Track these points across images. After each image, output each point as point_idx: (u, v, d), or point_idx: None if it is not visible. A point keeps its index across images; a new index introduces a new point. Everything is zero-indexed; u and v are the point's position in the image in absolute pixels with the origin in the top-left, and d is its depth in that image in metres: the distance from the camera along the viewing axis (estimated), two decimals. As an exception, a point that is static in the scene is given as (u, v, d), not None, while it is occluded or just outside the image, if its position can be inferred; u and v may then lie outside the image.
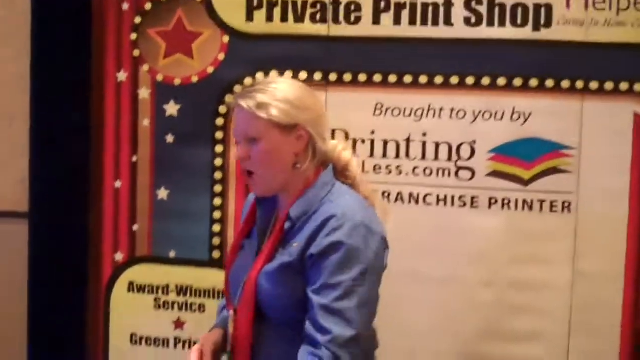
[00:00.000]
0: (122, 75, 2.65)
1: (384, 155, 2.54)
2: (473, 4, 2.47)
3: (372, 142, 2.54)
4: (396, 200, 2.54)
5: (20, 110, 2.71)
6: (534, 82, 2.48)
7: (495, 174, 2.53)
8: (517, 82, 2.49)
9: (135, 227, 2.67)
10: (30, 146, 2.68)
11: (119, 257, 2.68)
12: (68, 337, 2.67)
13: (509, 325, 2.52)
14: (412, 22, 2.51)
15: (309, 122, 1.70)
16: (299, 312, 1.65)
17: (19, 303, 2.73)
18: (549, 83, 2.47)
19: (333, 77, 2.55)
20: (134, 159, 2.66)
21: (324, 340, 1.59)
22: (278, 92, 1.70)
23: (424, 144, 2.53)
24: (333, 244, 1.60)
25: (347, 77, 2.54)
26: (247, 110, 1.67)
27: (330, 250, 1.60)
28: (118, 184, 2.67)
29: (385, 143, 2.54)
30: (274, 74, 2.55)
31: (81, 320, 2.67)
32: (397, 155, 2.54)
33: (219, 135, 2.61)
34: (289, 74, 2.56)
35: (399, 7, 2.50)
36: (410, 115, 2.52)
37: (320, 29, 2.54)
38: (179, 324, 2.67)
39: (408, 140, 2.53)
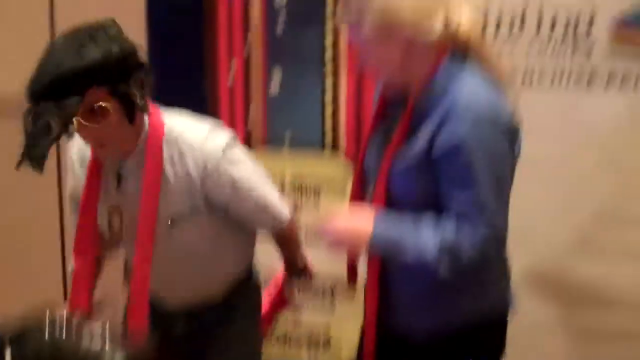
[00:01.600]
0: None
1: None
2: None
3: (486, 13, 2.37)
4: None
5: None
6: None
7: (618, 49, 2.30)
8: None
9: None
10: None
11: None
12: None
13: (627, 211, 2.38)
14: None
15: (407, 22, 1.58)
16: (429, 207, 1.61)
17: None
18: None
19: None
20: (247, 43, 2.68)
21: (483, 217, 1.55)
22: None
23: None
24: (455, 145, 1.54)
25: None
26: (348, 25, 1.65)
27: (454, 150, 1.54)
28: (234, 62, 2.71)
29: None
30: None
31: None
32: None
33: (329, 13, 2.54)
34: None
35: None
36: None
37: None
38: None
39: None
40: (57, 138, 1.57)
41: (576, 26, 2.34)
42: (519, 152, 1.65)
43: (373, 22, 1.59)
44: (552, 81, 2.39)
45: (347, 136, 2.65)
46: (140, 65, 1.65)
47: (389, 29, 1.58)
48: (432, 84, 1.59)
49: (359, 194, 1.82)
